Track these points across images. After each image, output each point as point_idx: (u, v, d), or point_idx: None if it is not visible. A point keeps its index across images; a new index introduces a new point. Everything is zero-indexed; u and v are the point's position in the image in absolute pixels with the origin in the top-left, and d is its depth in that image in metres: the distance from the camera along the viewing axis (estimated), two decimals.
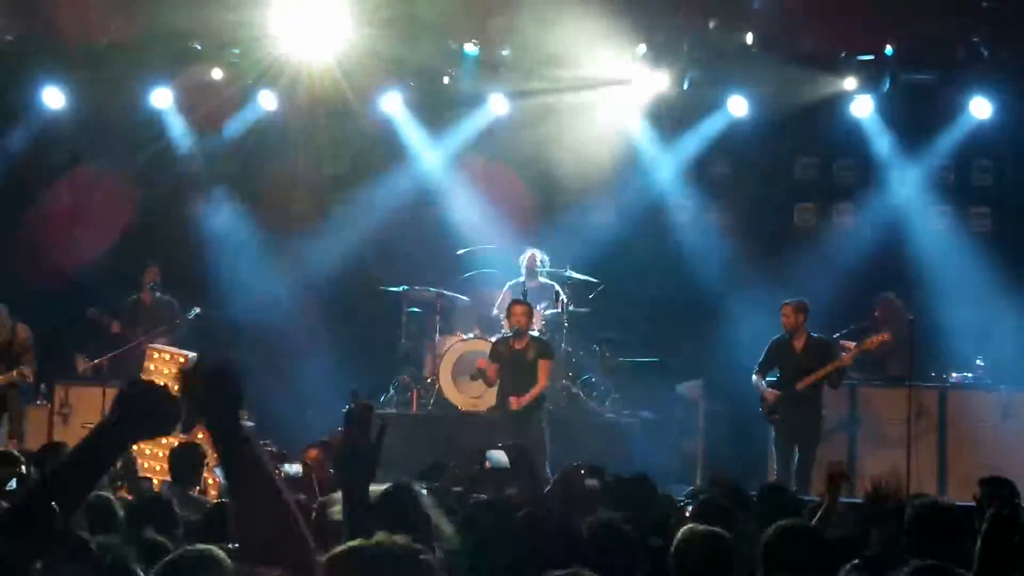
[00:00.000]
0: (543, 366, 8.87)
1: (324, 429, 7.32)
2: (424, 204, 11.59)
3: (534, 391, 8.80)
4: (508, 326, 9.11)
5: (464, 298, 10.66)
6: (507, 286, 10.43)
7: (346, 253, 11.19)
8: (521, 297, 9.49)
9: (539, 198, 11.50)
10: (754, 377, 8.98)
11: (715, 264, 11.06)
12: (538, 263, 10.34)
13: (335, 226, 11.34)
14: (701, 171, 11.50)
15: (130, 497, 5.60)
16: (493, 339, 9.64)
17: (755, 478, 8.09)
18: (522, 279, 10.28)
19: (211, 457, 6.74)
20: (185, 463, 6.20)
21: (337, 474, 3.03)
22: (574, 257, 10.49)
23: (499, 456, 6.02)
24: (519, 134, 11.23)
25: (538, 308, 9.85)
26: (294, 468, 6.92)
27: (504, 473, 5.85)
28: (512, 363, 8.86)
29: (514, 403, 8.79)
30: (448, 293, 10.55)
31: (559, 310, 10.20)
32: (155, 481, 7.68)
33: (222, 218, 11.37)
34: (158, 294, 10.34)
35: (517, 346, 8.86)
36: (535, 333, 9.16)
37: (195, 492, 6.34)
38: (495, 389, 9.44)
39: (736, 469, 8.55)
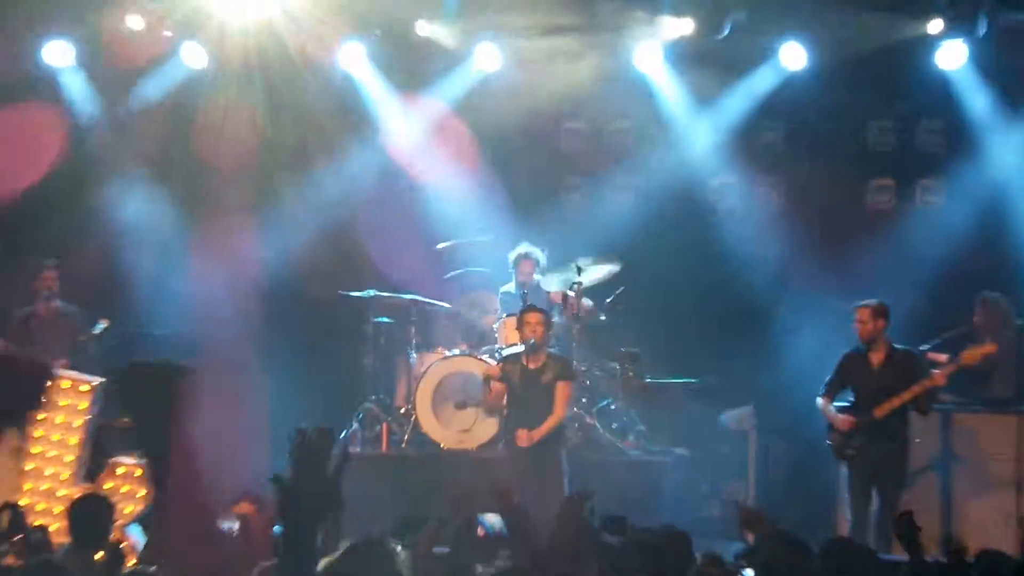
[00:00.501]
0: (562, 390, 8.79)
1: (265, 472, 7.17)
2: (395, 186, 11.53)
3: (550, 422, 8.73)
4: (518, 339, 8.98)
5: (446, 305, 10.60)
6: (500, 293, 10.47)
7: (296, 249, 11.12)
8: (524, 303, 9.44)
9: (542, 176, 11.56)
10: (820, 401, 8.90)
11: (767, 258, 11.02)
12: (535, 271, 10.27)
13: (282, 215, 11.29)
14: (747, 139, 11.43)
15: (16, 563, 5.58)
16: (485, 355, 9.67)
17: (822, 531, 8.19)
18: (511, 286, 10.32)
19: (120, 513, 6.83)
20: (88, 520, 6.07)
21: (281, 519, 3.04)
22: (586, 250, 10.41)
23: (495, 521, 6.01)
24: (514, 95, 11.17)
25: None
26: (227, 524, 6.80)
27: (502, 539, 5.86)
28: (523, 387, 8.80)
29: (522, 439, 8.68)
30: (426, 299, 10.48)
31: (567, 319, 10.10)
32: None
33: (137, 205, 11.22)
34: (57, 303, 10.22)
35: (531, 365, 8.81)
36: (553, 349, 9.08)
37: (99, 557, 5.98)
38: (489, 420, 9.50)
39: (798, 520, 8.72)
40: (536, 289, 10.26)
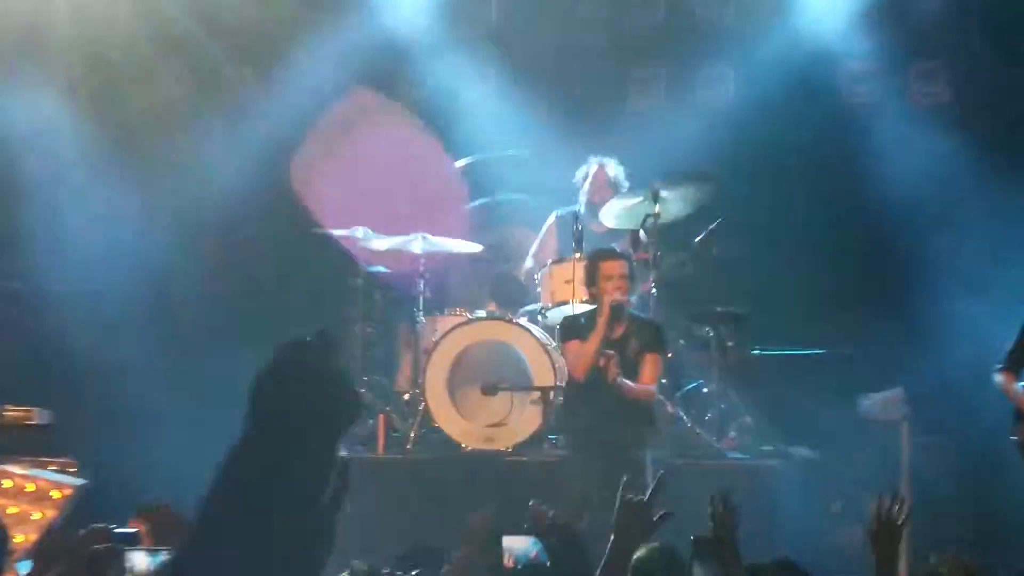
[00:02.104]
0: (650, 364, 8.83)
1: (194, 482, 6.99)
2: (394, 80, 11.63)
3: (640, 390, 8.74)
4: (570, 295, 9.19)
5: (469, 245, 10.51)
6: (552, 217, 10.46)
7: (255, 172, 11.15)
8: (577, 241, 9.48)
9: (600, 66, 11.58)
10: (999, 378, 8.83)
11: (921, 180, 10.83)
12: (610, 178, 10.33)
13: (235, 125, 11.36)
14: (894, 9, 11.29)
15: None
16: (523, 317, 9.72)
17: (1009, 558, 8.36)
18: (579, 208, 10.25)
19: (15, 545, 6.61)
20: None
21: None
22: (663, 170, 10.20)
23: (520, 545, 6.13)
24: None
25: None
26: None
27: (540, 569, 6.01)
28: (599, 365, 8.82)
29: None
30: (438, 240, 10.31)
31: (646, 265, 9.89)
32: None
33: (36, 117, 11.09)
34: None
35: (610, 334, 8.83)
36: (636, 311, 9.08)
37: None
38: (530, 410, 9.56)
39: (972, 544, 9.11)
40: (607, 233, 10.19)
